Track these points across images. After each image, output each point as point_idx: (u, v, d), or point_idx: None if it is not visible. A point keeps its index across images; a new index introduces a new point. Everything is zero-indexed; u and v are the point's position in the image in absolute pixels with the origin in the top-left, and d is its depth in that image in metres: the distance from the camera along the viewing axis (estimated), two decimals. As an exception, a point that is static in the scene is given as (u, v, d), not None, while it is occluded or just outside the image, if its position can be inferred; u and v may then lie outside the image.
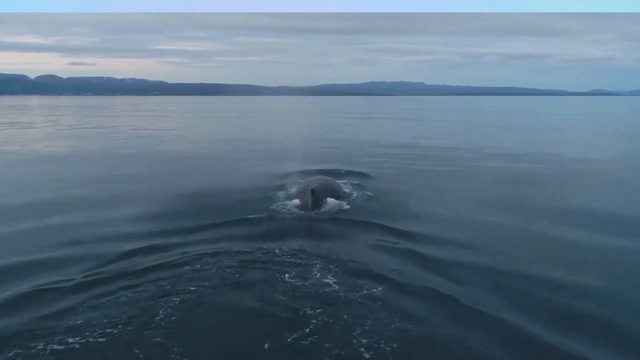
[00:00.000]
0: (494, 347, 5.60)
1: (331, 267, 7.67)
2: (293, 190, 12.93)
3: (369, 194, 13.31)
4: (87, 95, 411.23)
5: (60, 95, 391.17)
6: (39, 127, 43.70)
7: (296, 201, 11.63)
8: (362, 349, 5.46)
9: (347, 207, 11.63)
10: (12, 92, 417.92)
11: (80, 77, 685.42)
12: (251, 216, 10.56)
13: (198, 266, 7.66)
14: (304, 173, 15.28)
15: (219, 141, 30.39)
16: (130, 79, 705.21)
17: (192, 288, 6.90)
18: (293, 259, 7.97)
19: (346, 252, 8.37)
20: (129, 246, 8.84)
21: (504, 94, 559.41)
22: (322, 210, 11.03)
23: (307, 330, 5.80)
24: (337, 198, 11.95)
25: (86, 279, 7.42)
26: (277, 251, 8.33)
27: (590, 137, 35.09)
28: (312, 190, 10.89)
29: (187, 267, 7.65)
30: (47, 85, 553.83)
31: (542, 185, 15.62)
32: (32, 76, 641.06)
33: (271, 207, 11.45)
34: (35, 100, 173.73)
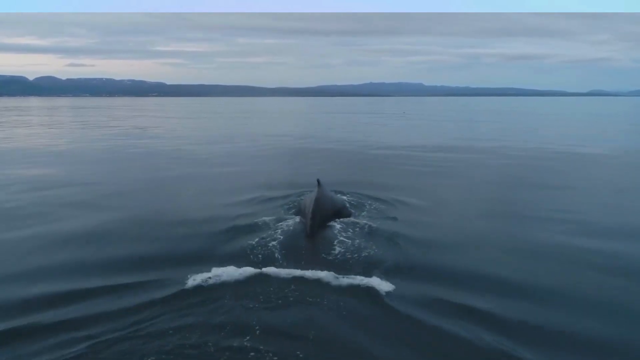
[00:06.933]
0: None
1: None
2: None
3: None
4: (86, 96, 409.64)
5: (59, 96, 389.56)
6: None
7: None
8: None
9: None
10: (11, 94, 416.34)
11: (79, 79, 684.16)
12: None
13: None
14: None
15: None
16: (129, 81, 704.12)
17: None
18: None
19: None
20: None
21: (503, 94, 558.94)
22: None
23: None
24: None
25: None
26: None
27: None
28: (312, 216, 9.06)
29: None
30: (46, 87, 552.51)
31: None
32: (31, 77, 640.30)
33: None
34: (35, 102, 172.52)
